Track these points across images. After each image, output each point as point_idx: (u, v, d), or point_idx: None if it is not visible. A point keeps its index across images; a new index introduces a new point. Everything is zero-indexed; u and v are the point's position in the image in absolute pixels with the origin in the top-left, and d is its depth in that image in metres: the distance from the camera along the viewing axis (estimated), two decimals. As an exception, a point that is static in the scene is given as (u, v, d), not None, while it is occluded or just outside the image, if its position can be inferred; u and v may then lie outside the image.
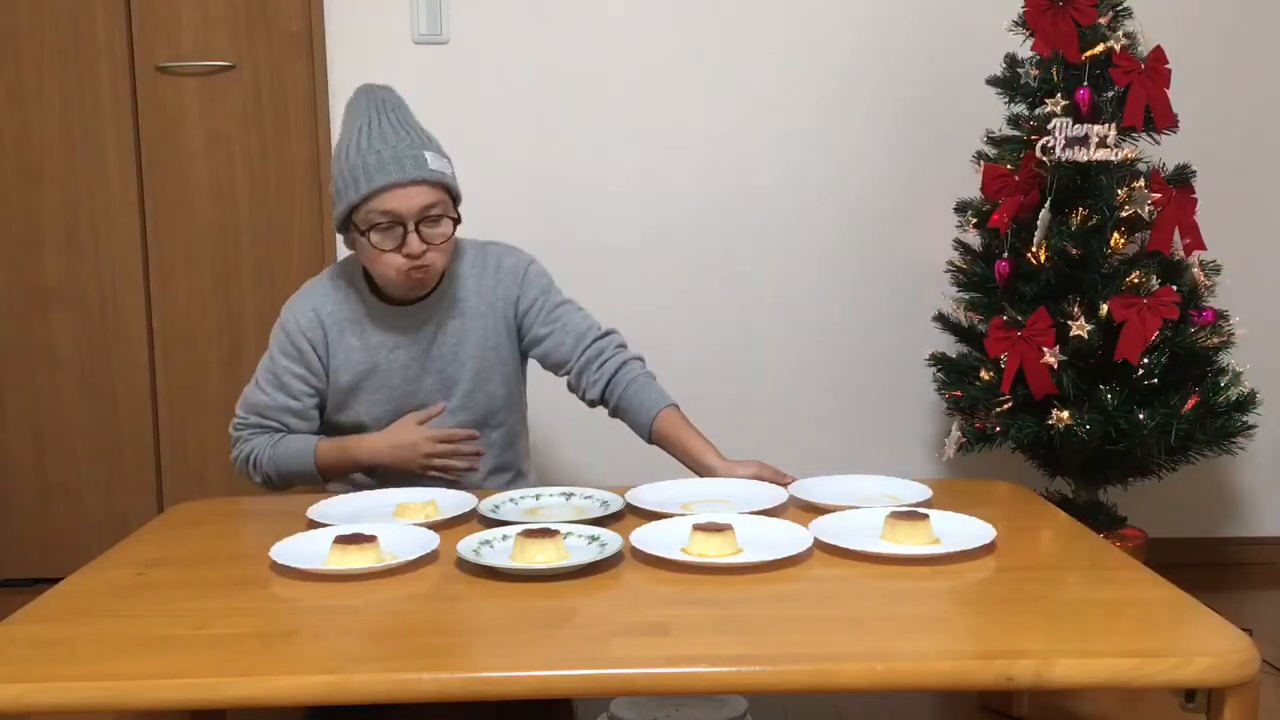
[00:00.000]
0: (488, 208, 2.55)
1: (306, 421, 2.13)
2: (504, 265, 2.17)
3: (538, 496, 1.92)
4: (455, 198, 2.07)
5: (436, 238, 2.01)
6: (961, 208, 2.69)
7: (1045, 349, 2.39)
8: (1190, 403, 2.40)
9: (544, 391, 2.33)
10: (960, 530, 1.66)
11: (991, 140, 2.64)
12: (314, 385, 2.12)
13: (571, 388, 2.20)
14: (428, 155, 1.99)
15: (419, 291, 2.09)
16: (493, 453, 2.20)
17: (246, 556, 1.66)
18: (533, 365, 2.26)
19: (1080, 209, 2.42)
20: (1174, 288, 2.40)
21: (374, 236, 1.99)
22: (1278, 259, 2.99)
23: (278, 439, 2.11)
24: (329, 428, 2.18)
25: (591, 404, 2.19)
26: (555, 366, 2.20)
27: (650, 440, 2.12)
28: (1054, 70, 2.47)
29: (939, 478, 2.83)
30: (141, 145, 2.91)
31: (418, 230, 1.98)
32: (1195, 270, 2.51)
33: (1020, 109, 2.57)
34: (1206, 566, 2.99)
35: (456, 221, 2.04)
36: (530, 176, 2.91)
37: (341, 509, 1.87)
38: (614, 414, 2.17)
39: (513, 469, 2.25)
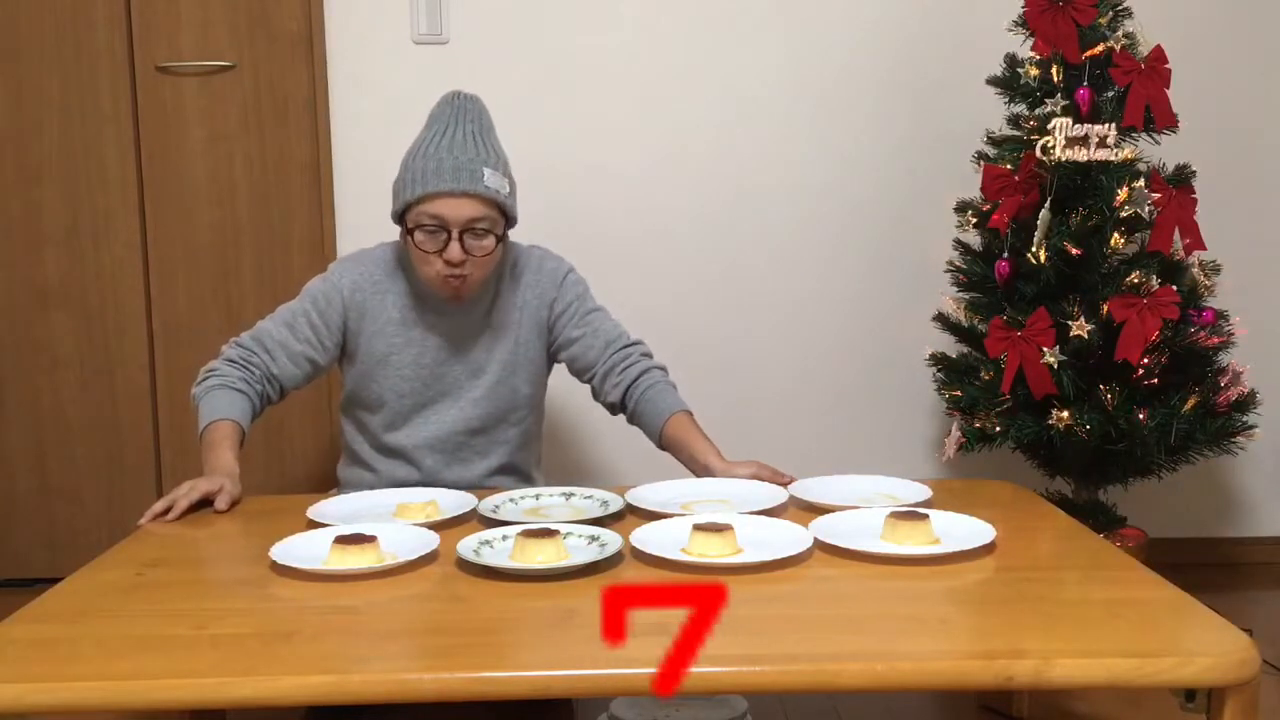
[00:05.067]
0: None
1: (294, 365, 2.13)
2: (544, 268, 2.22)
3: (537, 496, 1.92)
4: (509, 217, 2.09)
5: (478, 250, 2.04)
6: (961, 208, 2.69)
7: (1045, 349, 2.39)
8: (1190, 403, 2.41)
9: (548, 391, 2.33)
10: (960, 530, 1.66)
11: (991, 140, 2.64)
12: (321, 339, 2.14)
13: (595, 393, 2.23)
14: (486, 171, 2.03)
15: (455, 299, 2.10)
16: (505, 450, 2.22)
17: (246, 556, 1.65)
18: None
19: (1080, 209, 2.42)
20: (1174, 288, 2.40)
21: (418, 236, 2.03)
22: (1278, 259, 3.00)
23: (224, 383, 2.08)
24: (354, 400, 2.21)
25: (611, 408, 2.22)
26: (581, 371, 2.23)
27: (660, 445, 2.15)
28: (1054, 70, 2.47)
29: (939, 478, 2.83)
30: (141, 145, 2.92)
31: (461, 240, 2.02)
32: (1195, 270, 2.51)
33: (1020, 109, 2.57)
34: (1206, 566, 2.99)
35: (500, 240, 2.07)
36: (529, 177, 2.90)
37: (341, 509, 1.87)
38: (631, 419, 2.20)
39: (522, 472, 2.26)
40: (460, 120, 2.07)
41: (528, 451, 2.28)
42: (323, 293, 2.15)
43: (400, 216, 2.08)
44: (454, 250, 2.02)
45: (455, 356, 2.17)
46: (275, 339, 2.13)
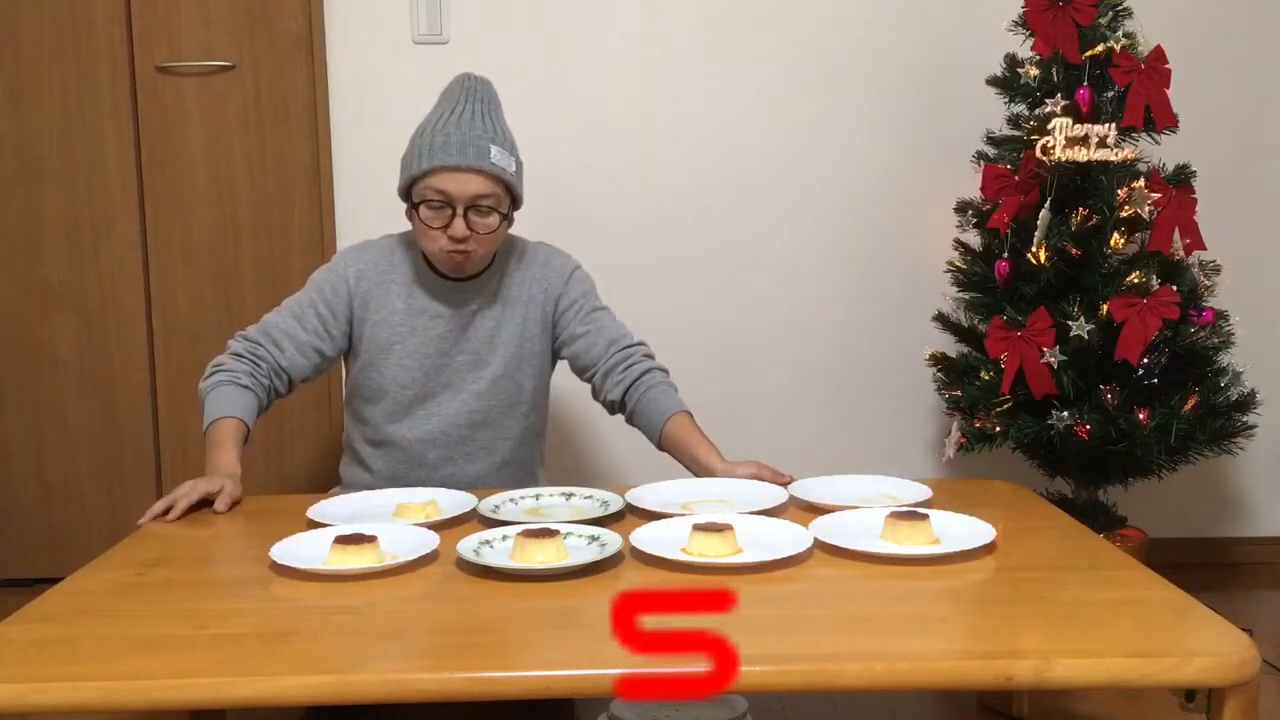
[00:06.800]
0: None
1: (302, 356, 2.13)
2: (551, 263, 2.24)
3: (537, 496, 1.92)
4: (514, 196, 2.12)
5: (482, 227, 2.06)
6: (961, 208, 2.69)
7: (1045, 349, 2.39)
8: (1190, 403, 2.41)
9: (552, 392, 2.33)
10: (960, 530, 1.66)
11: (991, 140, 2.64)
12: (328, 329, 2.15)
13: (595, 391, 2.23)
14: (493, 148, 2.05)
15: (458, 273, 2.13)
16: (509, 445, 2.22)
17: (246, 556, 1.66)
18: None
19: (1080, 209, 2.42)
20: (1174, 288, 2.40)
21: (424, 211, 2.06)
22: (1278, 259, 3.00)
23: (230, 378, 2.07)
24: (356, 392, 2.21)
25: (610, 407, 2.22)
26: (583, 369, 2.23)
27: (659, 445, 2.15)
28: (1054, 70, 2.48)
29: (939, 478, 2.83)
30: (141, 145, 2.91)
31: (466, 215, 2.03)
32: (1195, 270, 2.51)
33: (1020, 109, 2.58)
34: (1206, 566, 2.99)
35: (505, 217, 2.09)
36: (529, 177, 2.89)
37: (341, 509, 1.87)
38: (630, 419, 2.20)
39: (525, 467, 2.27)
40: (470, 99, 2.09)
41: (531, 448, 2.28)
42: (329, 282, 2.16)
43: (407, 192, 2.09)
44: (458, 226, 2.04)
45: (459, 346, 2.17)
46: (283, 329, 2.13)
